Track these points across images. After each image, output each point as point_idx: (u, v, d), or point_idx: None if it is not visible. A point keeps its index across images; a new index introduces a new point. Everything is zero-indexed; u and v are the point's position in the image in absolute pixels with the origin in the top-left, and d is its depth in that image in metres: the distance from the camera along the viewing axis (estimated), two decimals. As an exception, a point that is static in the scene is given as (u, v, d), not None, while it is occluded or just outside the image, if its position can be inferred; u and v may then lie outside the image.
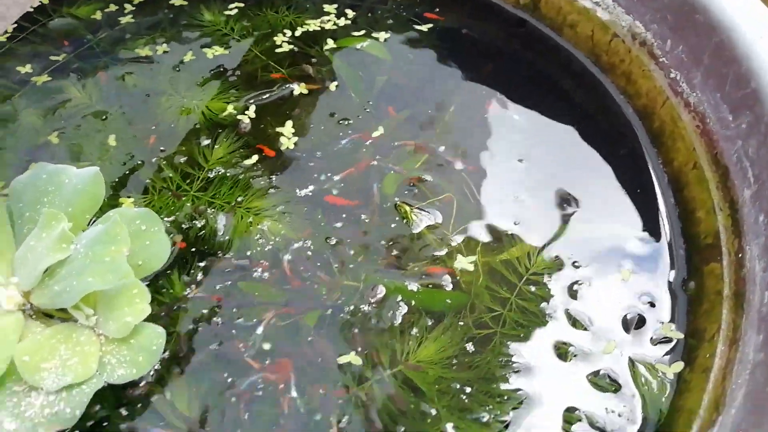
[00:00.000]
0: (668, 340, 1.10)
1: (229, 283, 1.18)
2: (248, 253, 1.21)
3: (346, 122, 1.42)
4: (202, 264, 1.20)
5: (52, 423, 0.99)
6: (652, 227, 1.25)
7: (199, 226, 1.25)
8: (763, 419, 0.77)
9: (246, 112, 1.43)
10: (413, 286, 1.17)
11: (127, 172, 1.33)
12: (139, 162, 1.35)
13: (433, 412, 1.03)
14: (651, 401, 1.03)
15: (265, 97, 1.47)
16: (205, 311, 1.14)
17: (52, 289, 1.06)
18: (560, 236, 1.24)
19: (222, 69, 1.52)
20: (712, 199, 1.15)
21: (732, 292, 1.03)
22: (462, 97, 1.48)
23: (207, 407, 1.04)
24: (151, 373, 1.07)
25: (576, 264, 1.20)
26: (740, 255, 1.04)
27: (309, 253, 1.21)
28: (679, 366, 1.06)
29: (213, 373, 1.08)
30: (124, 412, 1.04)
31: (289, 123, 1.41)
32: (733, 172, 1.11)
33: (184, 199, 1.29)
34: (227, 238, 1.23)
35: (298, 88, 1.47)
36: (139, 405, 1.05)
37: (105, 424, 1.03)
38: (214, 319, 1.13)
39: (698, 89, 1.23)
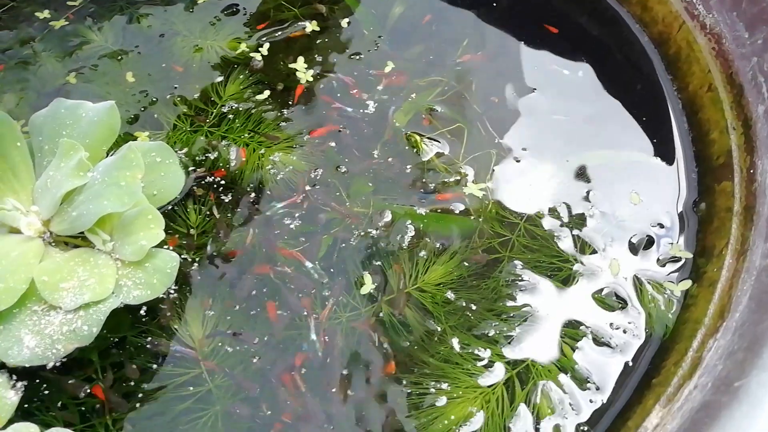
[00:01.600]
0: (677, 259, 1.09)
1: (240, 211, 1.20)
2: (260, 183, 1.23)
3: (358, 57, 1.42)
4: (215, 196, 1.22)
5: (70, 339, 1.03)
6: (665, 153, 1.23)
7: (212, 158, 1.27)
8: (764, 316, 0.76)
9: (259, 50, 1.44)
10: (422, 211, 1.18)
11: (143, 109, 1.36)
12: (154, 99, 1.37)
13: (440, 329, 1.05)
14: (657, 317, 1.03)
15: (277, 35, 1.47)
16: (218, 240, 1.17)
17: (70, 214, 1.10)
18: (572, 164, 1.24)
19: (234, 9, 1.52)
20: (726, 120, 1.13)
21: (742, 206, 1.02)
22: (475, 33, 1.46)
23: (219, 330, 1.07)
24: (166, 295, 1.10)
25: (587, 190, 1.19)
26: (752, 171, 1.03)
27: (319, 181, 1.23)
28: (687, 284, 1.05)
29: (226, 299, 1.11)
30: (140, 332, 1.08)
31: (301, 59, 1.41)
32: (748, 89, 1.09)
33: (197, 133, 1.31)
34: (240, 169, 1.25)
35: (310, 26, 1.48)
36: (155, 326, 1.09)
37: (122, 343, 1.07)
38: (227, 246, 1.16)
39: (714, 10, 1.20)
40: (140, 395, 1.02)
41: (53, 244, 1.14)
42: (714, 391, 0.73)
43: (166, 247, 1.15)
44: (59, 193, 1.09)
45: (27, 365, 1.02)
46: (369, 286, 1.10)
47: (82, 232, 1.11)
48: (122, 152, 1.11)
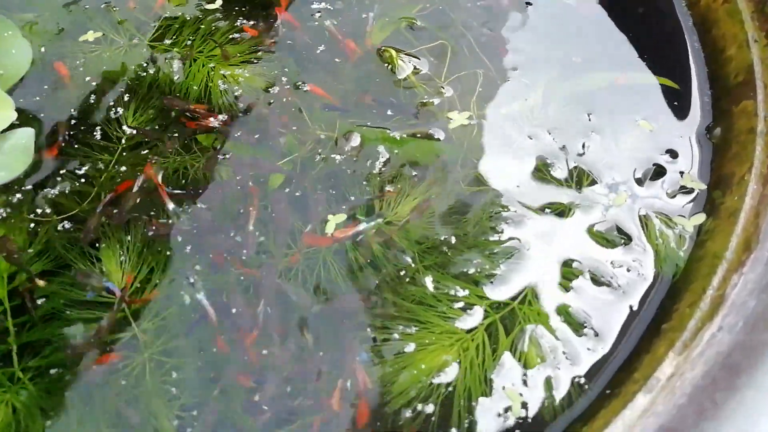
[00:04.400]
0: (688, 191, 0.95)
1: (185, 136, 1.03)
2: (207, 101, 1.06)
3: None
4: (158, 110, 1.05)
5: None
6: (674, 74, 1.07)
7: (151, 73, 1.09)
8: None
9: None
10: (396, 135, 1.02)
11: (74, 20, 1.17)
12: (87, 7, 1.18)
13: (413, 266, 0.89)
14: (666, 255, 0.89)
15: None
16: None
17: None
18: (572, 87, 1.08)
19: None
20: (746, 32, 0.98)
21: (767, 127, 0.87)
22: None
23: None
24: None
25: (589, 116, 1.04)
26: (779, 85, 0.88)
27: (276, 101, 1.06)
28: (701, 218, 0.91)
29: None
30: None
31: (261, -35, 1.23)
32: (774, -6, 0.94)
33: (137, 47, 1.13)
34: (185, 85, 1.08)
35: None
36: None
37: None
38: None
39: None
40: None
41: None
42: (749, 330, 0.59)
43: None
44: None
45: None
46: (333, 220, 0.94)
47: None
48: None
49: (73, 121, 1.04)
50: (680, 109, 1.03)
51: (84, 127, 1.05)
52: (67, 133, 1.03)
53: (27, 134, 1.01)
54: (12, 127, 1.01)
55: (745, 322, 0.62)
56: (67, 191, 0.98)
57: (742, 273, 0.72)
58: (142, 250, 0.93)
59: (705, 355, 0.65)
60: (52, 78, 1.10)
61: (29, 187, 0.99)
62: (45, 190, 0.98)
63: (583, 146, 1.00)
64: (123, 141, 1.03)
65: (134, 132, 1.03)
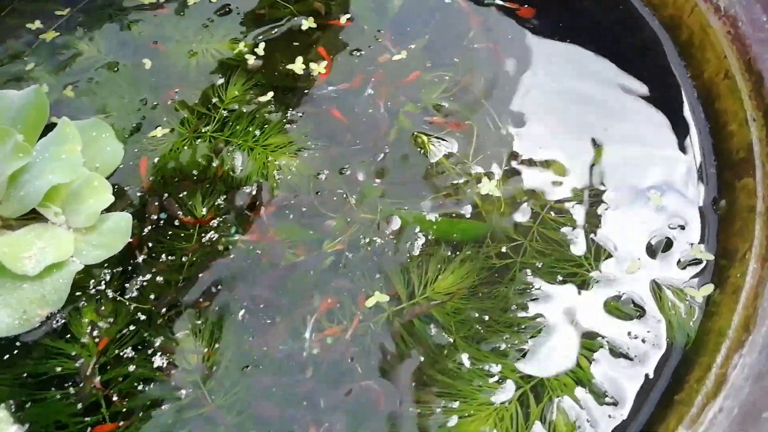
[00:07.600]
0: (697, 262, 1.04)
1: (256, 225, 1.17)
2: (264, 189, 1.20)
3: (359, 53, 1.37)
4: (223, 198, 1.20)
5: (41, 305, 1.07)
6: (681, 145, 1.17)
7: (215, 165, 1.24)
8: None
9: (255, 50, 1.39)
10: (431, 216, 1.14)
11: (144, 117, 1.32)
12: (154, 105, 1.33)
13: (450, 341, 1.01)
14: (678, 326, 0.99)
15: (273, 32, 1.42)
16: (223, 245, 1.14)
17: (18, 195, 1.11)
18: (585, 161, 1.18)
19: (227, 9, 1.47)
20: (745, 110, 1.07)
21: (766, 207, 0.96)
22: (479, 22, 1.40)
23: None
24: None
25: (602, 189, 1.14)
26: (775, 167, 0.97)
27: (324, 186, 1.19)
28: (709, 288, 1.00)
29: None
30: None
31: (300, 59, 1.37)
32: (768, 78, 1.03)
33: (200, 140, 1.27)
34: (245, 175, 1.22)
35: (306, 23, 1.42)
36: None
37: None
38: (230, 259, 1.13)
39: (729, -9, 1.13)
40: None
41: (6, 227, 1.14)
42: (741, 420, 0.69)
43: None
44: (2, 178, 1.10)
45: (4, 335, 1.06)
46: (376, 297, 1.06)
47: (34, 212, 1.13)
48: (58, 128, 1.15)
49: (153, 216, 1.20)
50: (689, 181, 1.13)
51: (162, 218, 1.20)
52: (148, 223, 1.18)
53: (125, 218, 1.16)
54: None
55: (739, 410, 0.72)
56: (147, 279, 1.12)
57: (742, 354, 0.81)
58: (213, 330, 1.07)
59: (708, 434, 0.75)
60: (133, 172, 1.25)
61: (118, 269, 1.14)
62: (130, 275, 1.13)
63: (599, 221, 1.11)
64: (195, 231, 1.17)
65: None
